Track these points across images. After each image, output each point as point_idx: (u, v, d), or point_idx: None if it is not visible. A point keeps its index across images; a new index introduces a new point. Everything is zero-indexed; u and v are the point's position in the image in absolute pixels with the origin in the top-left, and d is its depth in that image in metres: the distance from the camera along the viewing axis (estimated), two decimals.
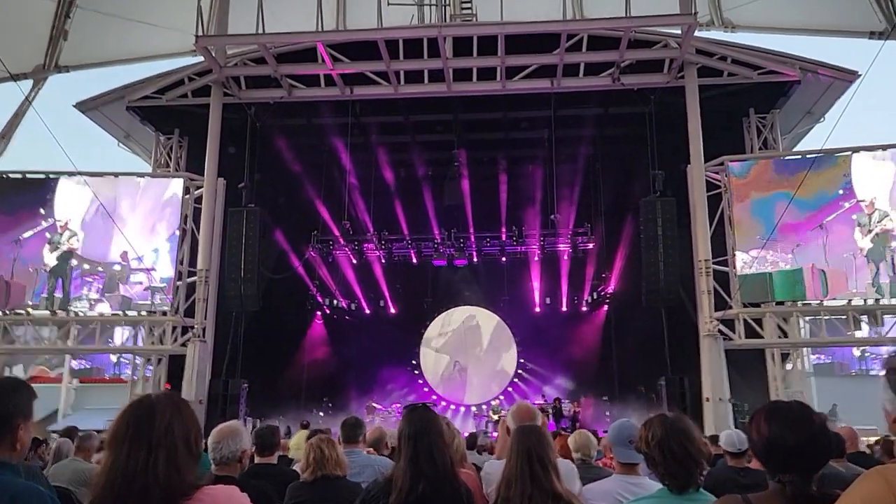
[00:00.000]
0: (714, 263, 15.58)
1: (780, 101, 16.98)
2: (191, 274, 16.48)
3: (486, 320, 22.76)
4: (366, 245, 19.84)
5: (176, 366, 16.33)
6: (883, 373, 1.82)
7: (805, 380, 17.35)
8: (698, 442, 2.63)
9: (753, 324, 15.41)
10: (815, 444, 2.05)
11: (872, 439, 12.46)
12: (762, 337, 15.40)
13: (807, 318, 16.09)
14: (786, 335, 15.47)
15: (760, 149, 17.09)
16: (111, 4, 18.23)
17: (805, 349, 17.64)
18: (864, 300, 14.85)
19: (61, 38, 17.82)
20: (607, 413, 19.11)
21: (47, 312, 16.15)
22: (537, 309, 21.64)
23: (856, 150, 15.58)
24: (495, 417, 18.93)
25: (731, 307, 15.41)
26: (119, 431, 1.85)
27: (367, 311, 22.12)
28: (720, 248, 15.86)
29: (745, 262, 15.60)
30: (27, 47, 18.03)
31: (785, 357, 16.76)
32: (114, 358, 26.07)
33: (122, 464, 1.80)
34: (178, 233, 16.59)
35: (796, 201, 14.86)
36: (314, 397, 19.50)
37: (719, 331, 15.25)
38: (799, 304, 15.33)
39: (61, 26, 17.81)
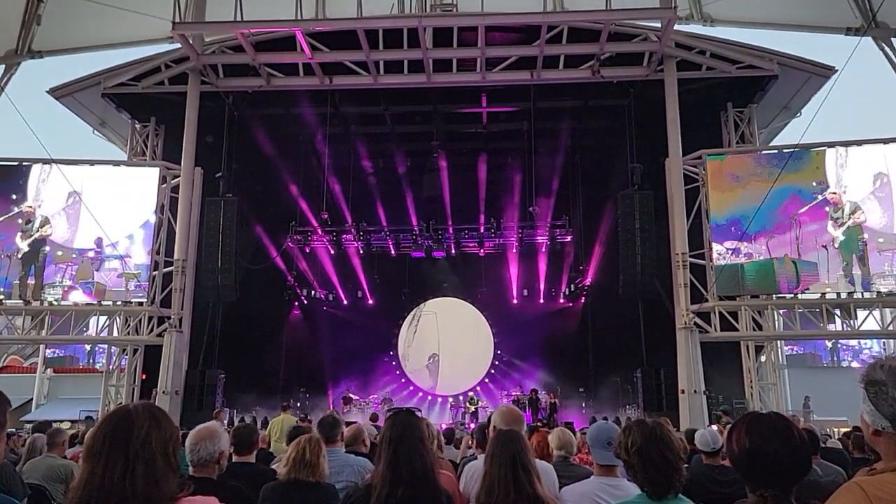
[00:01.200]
0: (690, 256, 15.75)
1: (757, 95, 17.15)
2: (167, 264, 16.30)
3: (464, 312, 22.81)
4: (344, 236, 19.75)
5: (152, 356, 16.18)
6: (862, 385, 1.83)
7: (778, 371, 17.64)
8: (678, 450, 2.66)
9: (729, 316, 15.62)
10: (796, 457, 2.06)
11: (843, 430, 12.74)
12: (737, 329, 15.61)
13: (781, 311, 16.34)
14: (760, 328, 15.71)
15: (738, 143, 17.25)
16: None
17: (778, 342, 17.93)
18: (837, 293, 15.12)
19: (34, 22, 17.40)
20: (583, 405, 19.31)
21: (21, 301, 15.88)
22: (515, 301, 21.72)
23: (831, 144, 15.81)
24: (472, 408, 19.03)
25: (706, 300, 15.59)
26: (95, 444, 1.83)
27: (345, 302, 22.06)
28: (697, 240, 16.03)
29: (719, 253, 15.80)
30: None
31: (759, 349, 17.03)
32: (88, 347, 25.74)
33: (98, 477, 1.77)
34: (152, 220, 16.38)
35: (771, 193, 15.05)
36: (291, 388, 19.44)
37: (695, 323, 15.45)
38: (773, 297, 15.56)
39: (34, 11, 17.39)
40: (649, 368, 15.96)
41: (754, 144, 17.38)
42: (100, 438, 1.83)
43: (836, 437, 10.87)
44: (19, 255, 16.10)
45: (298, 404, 17.83)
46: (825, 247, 15.32)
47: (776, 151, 16.58)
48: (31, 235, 16.25)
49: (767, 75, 16.47)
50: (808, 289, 15.30)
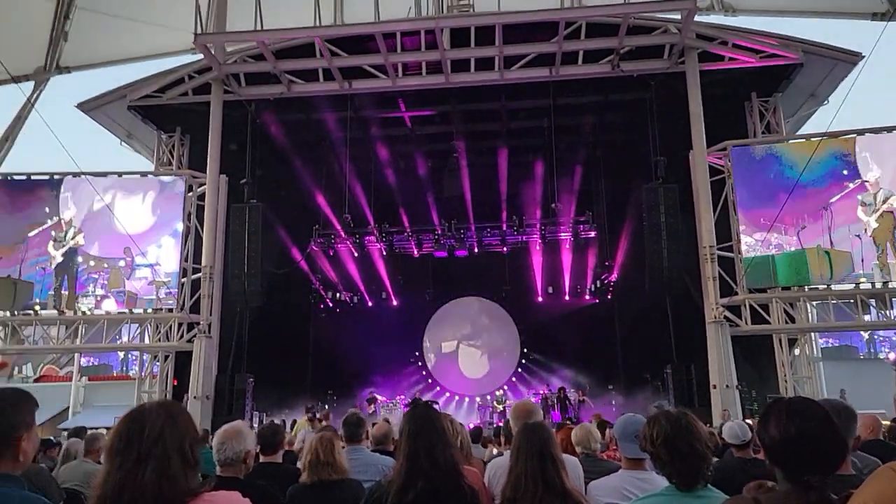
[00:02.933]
0: (718, 249, 15.53)
1: (782, 84, 16.85)
2: (195, 271, 16.52)
3: (489, 311, 22.77)
4: (367, 238, 19.83)
5: (183, 362, 16.42)
6: (894, 368, 1.77)
7: (813, 364, 17.30)
8: (705, 438, 2.61)
9: (760, 309, 15.37)
10: (838, 439, 2.00)
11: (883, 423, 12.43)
12: (769, 323, 15.35)
13: (814, 303, 16.05)
14: (793, 320, 15.43)
15: (763, 133, 16.98)
16: (110, 4, 18.22)
17: (813, 334, 17.60)
18: (872, 283, 14.80)
19: (61, 39, 17.82)
20: (613, 402, 19.14)
21: (55, 312, 16.22)
22: (540, 298, 21.60)
23: (860, 132, 15.50)
24: (500, 408, 18.98)
25: (736, 293, 15.37)
26: (112, 444, 1.90)
27: (370, 304, 22.14)
28: (724, 233, 15.81)
29: (748, 245, 15.56)
30: (28, 49, 18.04)
31: (792, 342, 16.73)
32: (121, 355, 26.18)
33: (114, 475, 1.84)
34: (180, 228, 16.62)
35: (800, 183, 14.80)
36: (319, 390, 19.57)
37: (725, 317, 15.23)
38: (806, 288, 15.28)
39: (61, 27, 17.81)
40: (680, 364, 15.78)
41: (781, 134, 17.09)
42: (115, 438, 1.90)
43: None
44: (53, 266, 16.44)
45: (326, 406, 17.92)
46: (859, 236, 15.02)
47: (804, 140, 16.28)
48: (63, 245, 16.58)
49: (792, 64, 16.17)
50: (841, 280, 15.01)
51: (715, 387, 14.69)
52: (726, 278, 15.48)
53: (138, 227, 16.50)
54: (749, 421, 7.33)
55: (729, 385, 14.58)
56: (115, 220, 16.28)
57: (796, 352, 17.00)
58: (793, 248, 15.34)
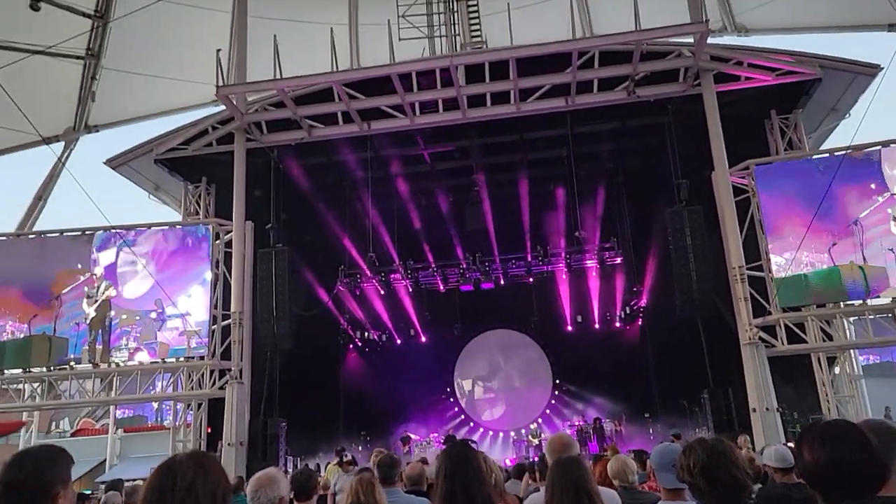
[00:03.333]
0: (748, 269, 15.30)
1: (801, 100, 16.73)
2: (225, 317, 16.68)
3: (518, 342, 22.60)
4: (392, 275, 19.91)
5: (216, 409, 16.47)
6: None
7: (855, 383, 16.82)
8: (744, 465, 2.55)
9: (795, 328, 15.03)
10: (876, 463, 1.95)
11: None
12: (805, 342, 15.00)
13: (851, 319, 15.67)
14: (830, 338, 15.06)
15: (786, 150, 16.83)
16: (134, 63, 18.88)
17: (853, 351, 17.15)
18: None
19: (89, 99, 18.41)
20: (650, 431, 18.75)
21: (90, 366, 16.44)
22: (569, 328, 21.41)
23: (885, 143, 15.29)
24: (535, 442, 18.71)
25: (770, 313, 15.08)
26: (146, 497, 1.93)
27: (398, 341, 22.12)
28: (753, 252, 15.58)
29: (779, 265, 15.30)
30: (57, 111, 18.71)
31: (832, 361, 16.30)
32: (156, 405, 26.39)
33: None
34: (209, 276, 16.84)
35: (828, 199, 14.60)
36: (352, 431, 19.49)
37: (760, 338, 14.91)
38: (841, 305, 14.95)
39: (88, 88, 18.45)
40: (716, 388, 15.43)
41: (803, 150, 16.93)
42: (148, 491, 1.93)
43: None
44: (87, 321, 16.71)
45: (360, 448, 17.83)
46: (892, 250, 14.72)
47: (827, 155, 16.10)
48: (96, 301, 16.88)
49: (810, 79, 16.09)
50: (878, 295, 14.66)
51: (755, 410, 14.32)
52: (758, 298, 15.21)
53: (168, 278, 16.76)
54: (791, 444, 7.13)
55: (769, 408, 14.20)
56: (145, 272, 16.56)
57: (836, 370, 16.56)
58: (825, 266, 15.05)
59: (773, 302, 15.07)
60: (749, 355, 14.71)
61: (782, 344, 14.95)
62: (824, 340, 15.01)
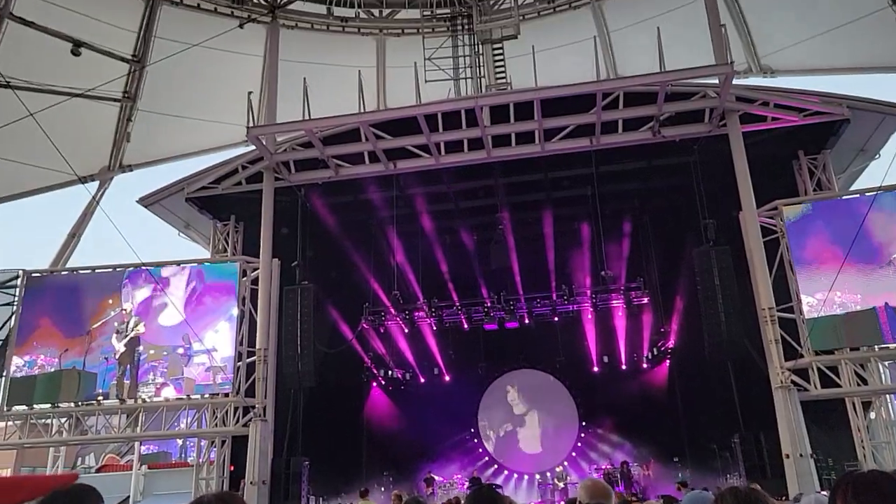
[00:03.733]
0: (778, 311, 15.01)
1: (829, 140, 16.60)
2: (250, 354, 16.76)
3: (543, 383, 22.31)
4: (416, 313, 19.91)
5: (239, 447, 16.44)
6: None
7: (891, 429, 16.26)
8: None
9: (829, 372, 14.65)
10: None
11: None
12: (839, 386, 14.59)
13: (886, 363, 15.24)
14: (865, 382, 14.64)
15: (815, 190, 16.63)
16: (168, 104, 19.48)
17: (888, 396, 16.62)
18: None
19: (125, 139, 18.98)
20: (679, 476, 18.26)
21: (117, 401, 16.59)
22: (595, 368, 21.12)
23: None
24: (560, 485, 18.32)
25: (802, 356, 14.73)
26: None
27: (422, 380, 21.99)
28: (783, 293, 15.31)
29: (810, 305, 15.00)
30: (93, 151, 19.30)
31: (867, 405, 15.81)
32: (180, 442, 26.44)
33: None
34: (235, 313, 17.00)
35: (860, 239, 14.35)
36: (375, 470, 19.30)
37: (792, 381, 14.54)
38: (876, 348, 14.56)
39: (124, 129, 19.02)
40: (748, 433, 15.04)
41: (833, 190, 16.72)
42: None
43: None
44: (116, 357, 16.92)
45: (382, 489, 17.63)
46: None
47: (857, 196, 15.88)
48: (126, 336, 17.11)
49: (838, 120, 15.99)
50: None
51: (788, 456, 13.89)
52: (789, 341, 14.88)
53: (195, 314, 16.96)
54: (825, 492, 6.90)
55: (803, 454, 13.76)
56: (173, 308, 16.79)
57: (872, 415, 16.04)
58: (858, 307, 14.72)
59: (805, 344, 14.73)
60: (781, 399, 14.34)
61: (815, 388, 14.56)
62: (859, 384, 14.59)
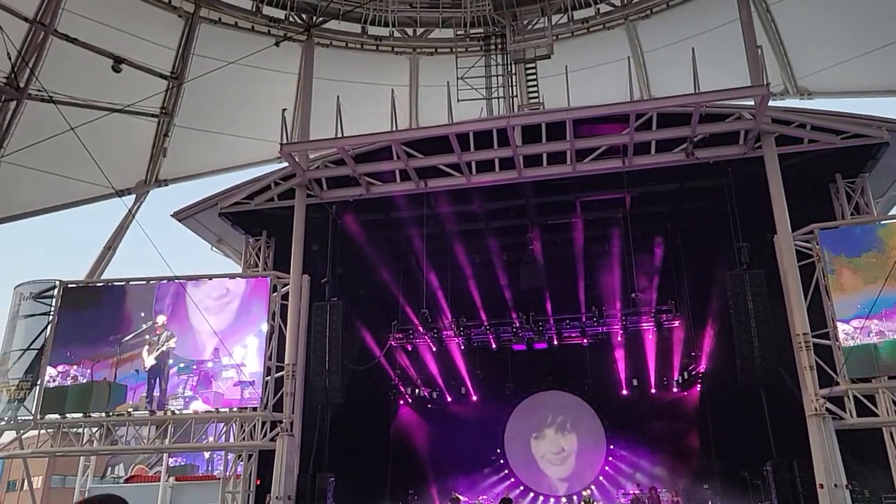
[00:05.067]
0: (814, 337, 14.69)
1: (868, 164, 16.30)
2: (278, 369, 16.86)
3: (571, 405, 22.08)
4: (444, 332, 19.89)
5: (266, 461, 16.50)
6: None
7: None
8: None
9: (865, 401, 14.28)
10: None
11: None
12: (877, 415, 14.21)
13: None
14: None
15: (852, 214, 16.32)
16: (204, 121, 19.86)
17: None
18: None
19: (161, 155, 19.35)
20: (710, 503, 17.91)
21: (147, 412, 16.78)
22: (624, 391, 20.86)
23: None
24: None
25: (837, 383, 14.37)
26: None
27: (449, 399, 21.91)
28: (818, 319, 14.99)
29: (846, 333, 14.66)
30: (130, 165, 19.71)
31: None
32: (207, 455, 26.64)
33: None
34: (265, 328, 17.13)
35: None
36: (399, 489, 19.23)
37: (827, 409, 14.19)
38: None
39: (161, 144, 19.41)
40: (780, 461, 14.70)
41: (871, 214, 16.39)
42: None
43: None
44: (146, 369, 17.14)
45: None
46: None
47: None
48: (158, 349, 17.33)
49: (877, 143, 15.71)
50: None
51: (822, 486, 13.53)
52: (825, 367, 14.54)
53: (225, 328, 17.13)
54: None
55: (837, 484, 13.40)
56: (204, 322, 16.98)
57: None
58: (895, 336, 14.36)
59: (840, 372, 14.38)
60: (816, 427, 13.99)
61: (851, 416, 14.19)
62: None
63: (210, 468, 26.90)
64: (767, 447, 15.06)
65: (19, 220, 19.95)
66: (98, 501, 2.35)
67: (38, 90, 16.77)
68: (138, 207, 20.05)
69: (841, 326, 14.75)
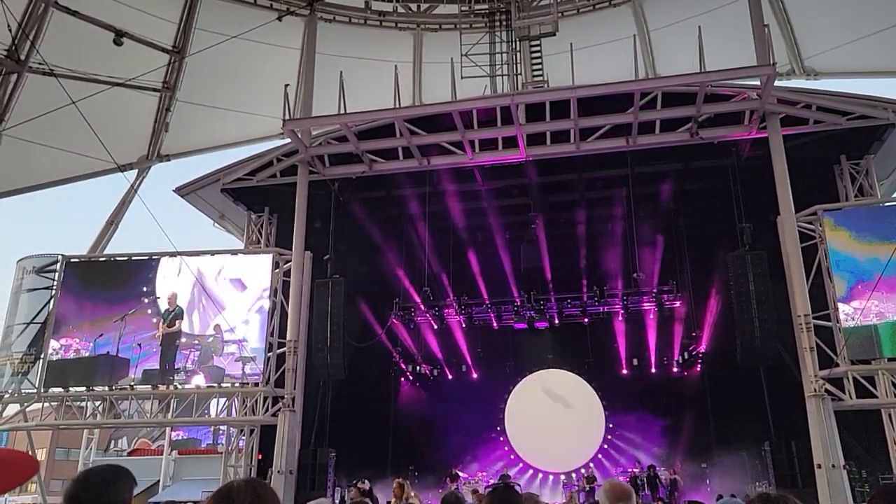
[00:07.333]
0: (815, 318, 14.71)
1: (874, 145, 16.22)
2: (280, 345, 16.94)
3: (572, 384, 22.17)
4: (446, 310, 19.93)
5: (267, 436, 16.65)
6: None
7: None
8: None
9: (864, 382, 14.34)
10: None
11: None
12: (876, 396, 14.28)
13: None
14: None
15: (856, 196, 16.26)
16: (206, 96, 19.71)
17: None
18: None
19: (163, 129, 19.24)
20: (707, 482, 18.07)
21: (149, 387, 16.89)
22: (624, 371, 20.94)
23: None
24: (587, 487, 18.22)
25: (837, 365, 14.42)
26: None
27: (450, 377, 22.02)
28: (819, 300, 15.00)
29: (846, 314, 14.68)
30: (132, 140, 19.61)
31: None
32: (212, 428, 26.86)
33: None
34: (266, 304, 17.18)
35: None
36: (400, 464, 19.35)
37: (826, 390, 14.26)
38: None
39: (163, 119, 19.29)
40: (779, 441, 14.81)
41: (875, 196, 16.33)
42: None
43: None
44: (159, 341, 17.16)
45: (408, 482, 17.65)
46: None
47: None
48: (162, 324, 17.33)
49: (883, 124, 15.60)
50: None
51: (819, 466, 13.64)
52: (825, 349, 14.58)
53: (228, 305, 17.18)
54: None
55: (835, 465, 13.50)
56: (206, 297, 17.02)
57: None
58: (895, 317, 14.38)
59: (840, 353, 14.42)
60: (814, 408, 14.07)
61: (850, 398, 14.27)
62: (895, 396, 14.26)
63: (215, 441, 27.14)
64: (766, 427, 15.18)
65: (21, 195, 19.92)
66: (101, 471, 2.36)
67: (39, 63, 16.64)
68: (140, 182, 20.00)
69: (841, 307, 14.77)
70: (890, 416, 15.13)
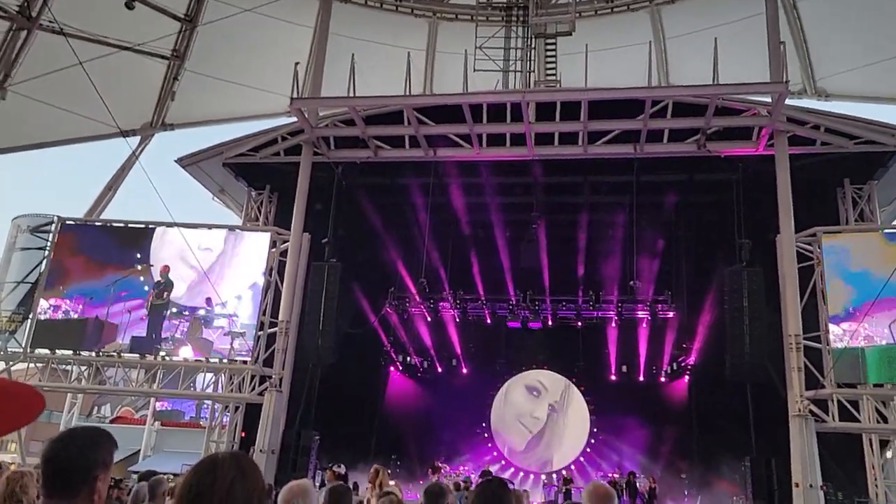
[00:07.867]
0: (805, 339, 14.76)
1: (878, 171, 16.25)
2: (272, 324, 16.89)
3: (559, 386, 22.22)
4: (441, 303, 19.92)
5: (252, 414, 16.63)
6: None
7: None
8: None
9: (849, 405, 14.40)
10: None
11: None
12: (858, 421, 14.35)
13: None
14: (885, 420, 14.38)
15: (856, 220, 16.29)
16: (215, 68, 19.56)
17: None
18: None
19: (169, 98, 19.10)
20: (686, 493, 18.14)
21: (137, 355, 16.83)
22: (613, 377, 20.99)
23: None
24: (565, 488, 18.26)
25: (823, 386, 14.49)
26: (183, 494, 1.92)
27: (440, 370, 22.02)
28: (811, 322, 15.05)
29: (835, 335, 14.74)
30: (137, 106, 19.46)
31: (884, 444, 15.53)
32: (197, 402, 26.84)
33: None
34: (261, 282, 17.12)
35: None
36: (383, 452, 19.36)
37: (810, 411, 14.32)
38: None
39: (169, 87, 19.14)
40: (759, 457, 14.89)
41: (875, 222, 16.36)
42: (186, 489, 1.93)
43: None
44: (146, 310, 17.11)
45: (389, 471, 17.68)
46: None
47: None
48: (154, 293, 17.28)
49: (889, 151, 15.62)
50: None
51: (797, 485, 13.72)
52: (812, 370, 14.64)
53: (221, 279, 17.12)
54: None
55: (813, 485, 13.59)
56: (199, 269, 16.96)
57: (889, 454, 15.75)
58: (884, 342, 14.44)
59: (827, 375, 14.48)
60: (797, 428, 14.15)
61: (833, 420, 14.36)
62: (878, 421, 14.34)
63: (199, 415, 27.12)
64: (748, 443, 15.23)
65: (22, 152, 19.78)
66: (82, 432, 2.32)
67: (50, 21, 16.49)
68: (142, 150, 19.88)
69: (832, 328, 14.83)
70: (871, 440, 15.21)
